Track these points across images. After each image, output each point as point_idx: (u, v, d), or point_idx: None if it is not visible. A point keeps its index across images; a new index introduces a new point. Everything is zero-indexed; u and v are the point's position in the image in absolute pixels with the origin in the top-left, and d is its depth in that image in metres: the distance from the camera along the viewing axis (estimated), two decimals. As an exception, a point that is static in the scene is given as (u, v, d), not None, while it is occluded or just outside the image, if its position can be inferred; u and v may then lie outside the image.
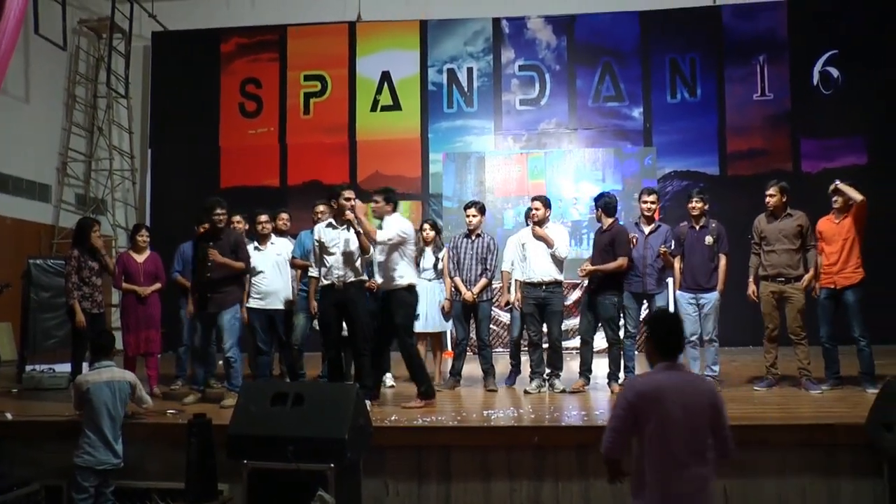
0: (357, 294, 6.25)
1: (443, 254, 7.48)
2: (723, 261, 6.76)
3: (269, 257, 6.93)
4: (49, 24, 10.96)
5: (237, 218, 7.44)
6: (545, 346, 7.00)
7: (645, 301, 6.92)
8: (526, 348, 7.10)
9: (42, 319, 8.21)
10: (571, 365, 7.60)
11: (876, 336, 6.59)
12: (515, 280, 7.08)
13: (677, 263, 6.91)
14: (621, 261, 6.67)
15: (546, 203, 6.99)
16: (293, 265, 7.06)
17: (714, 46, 12.03)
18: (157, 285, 7.16)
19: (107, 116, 12.53)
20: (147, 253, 7.23)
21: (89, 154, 12.43)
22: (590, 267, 6.80)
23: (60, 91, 12.06)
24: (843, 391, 6.35)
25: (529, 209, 7.07)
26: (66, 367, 7.44)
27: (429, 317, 7.37)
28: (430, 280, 7.42)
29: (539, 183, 11.84)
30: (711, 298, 6.69)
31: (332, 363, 6.34)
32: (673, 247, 6.86)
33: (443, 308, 7.35)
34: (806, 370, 6.50)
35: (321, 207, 7.04)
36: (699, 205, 6.82)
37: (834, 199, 6.62)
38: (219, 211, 6.49)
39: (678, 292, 6.90)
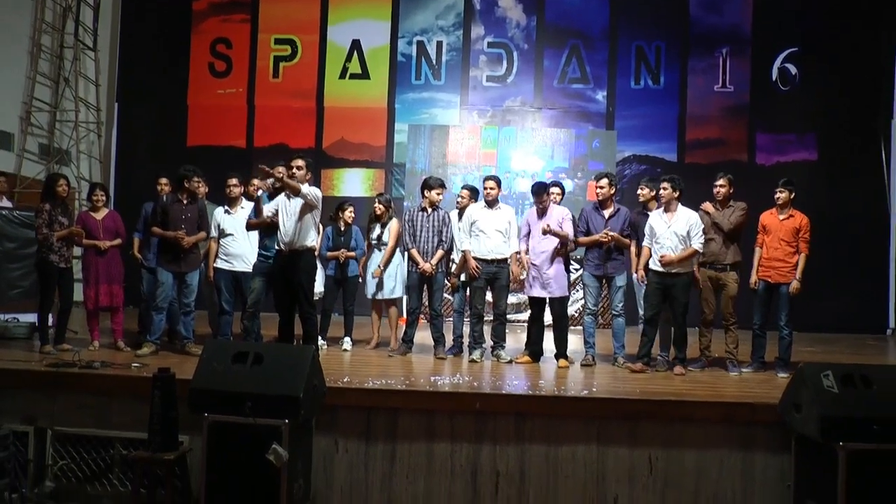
0: (301, 260, 6.40)
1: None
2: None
3: (239, 220, 7.08)
4: (14, -30, 10.83)
5: (196, 179, 7.61)
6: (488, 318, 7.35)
7: (604, 280, 7.21)
8: (468, 319, 7.42)
9: (7, 269, 8.29)
10: (521, 337, 7.92)
11: (806, 324, 7.03)
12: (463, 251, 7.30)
13: (633, 248, 7.17)
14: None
15: (498, 182, 7.32)
16: (249, 226, 6.87)
17: (680, 36, 12.30)
18: (118, 240, 7.27)
19: (73, 67, 12.38)
20: (105, 211, 7.33)
21: (54, 104, 12.32)
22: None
23: (25, 39, 11.87)
24: (766, 374, 6.79)
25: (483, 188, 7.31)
26: (30, 318, 7.61)
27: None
28: None
29: (490, 153, 12.14)
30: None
31: (281, 325, 6.56)
32: (628, 231, 7.13)
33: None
34: (731, 353, 6.92)
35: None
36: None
37: (777, 195, 6.95)
38: (196, 180, 7.12)
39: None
